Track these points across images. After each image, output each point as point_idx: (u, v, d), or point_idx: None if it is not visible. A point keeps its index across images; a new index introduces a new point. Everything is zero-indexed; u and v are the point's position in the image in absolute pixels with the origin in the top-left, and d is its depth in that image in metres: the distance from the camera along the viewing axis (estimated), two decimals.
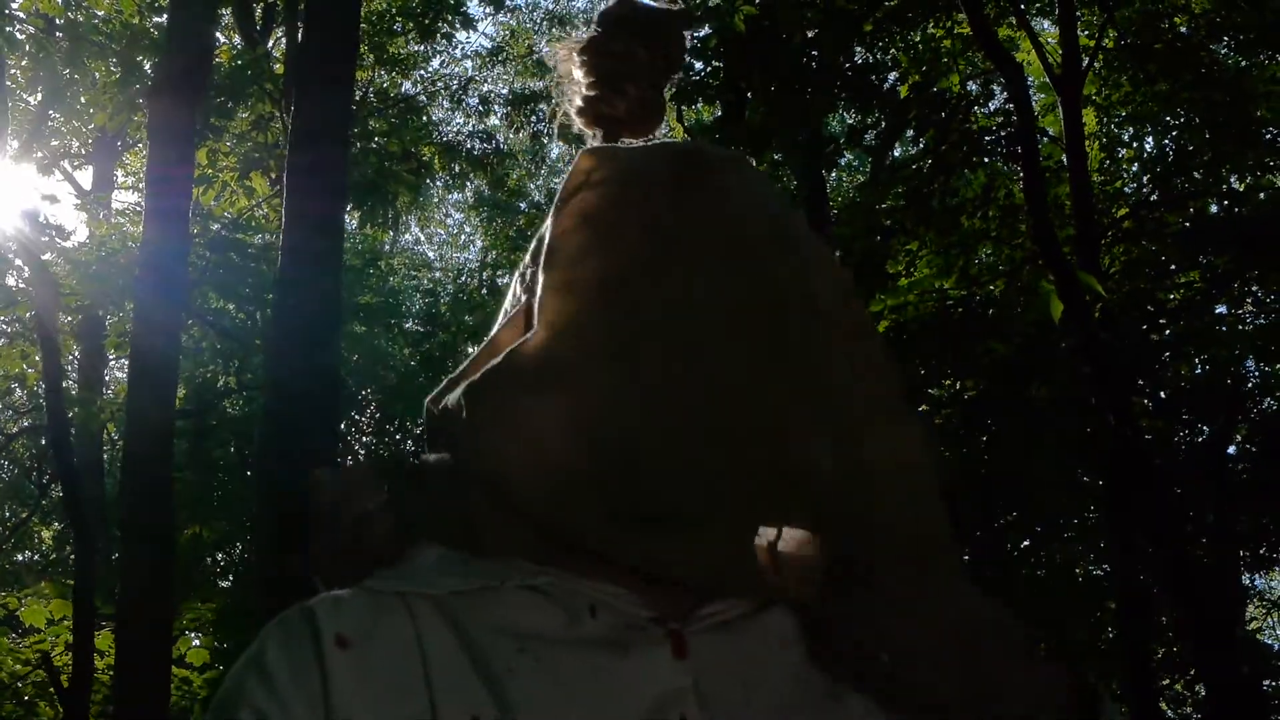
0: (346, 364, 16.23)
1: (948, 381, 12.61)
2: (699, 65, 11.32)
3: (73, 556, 21.31)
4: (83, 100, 14.26)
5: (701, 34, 11.08)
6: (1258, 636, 18.77)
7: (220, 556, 21.96)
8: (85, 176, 21.74)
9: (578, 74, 1.50)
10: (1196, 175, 12.65)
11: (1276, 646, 17.93)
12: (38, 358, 14.25)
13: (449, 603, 1.08)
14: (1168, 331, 12.22)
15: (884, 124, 12.86)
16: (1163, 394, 12.66)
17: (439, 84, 23.13)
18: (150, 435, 9.49)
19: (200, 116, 11.51)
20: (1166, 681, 13.93)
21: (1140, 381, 12.18)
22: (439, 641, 1.06)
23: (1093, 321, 8.63)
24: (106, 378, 21.24)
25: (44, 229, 11.88)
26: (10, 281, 14.16)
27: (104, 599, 11.29)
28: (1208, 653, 9.77)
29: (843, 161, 21.30)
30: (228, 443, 20.42)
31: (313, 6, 9.13)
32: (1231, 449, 13.28)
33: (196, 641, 12.67)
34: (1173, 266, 12.38)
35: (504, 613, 1.08)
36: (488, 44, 24.03)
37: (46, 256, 12.02)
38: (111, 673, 10.10)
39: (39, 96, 15.16)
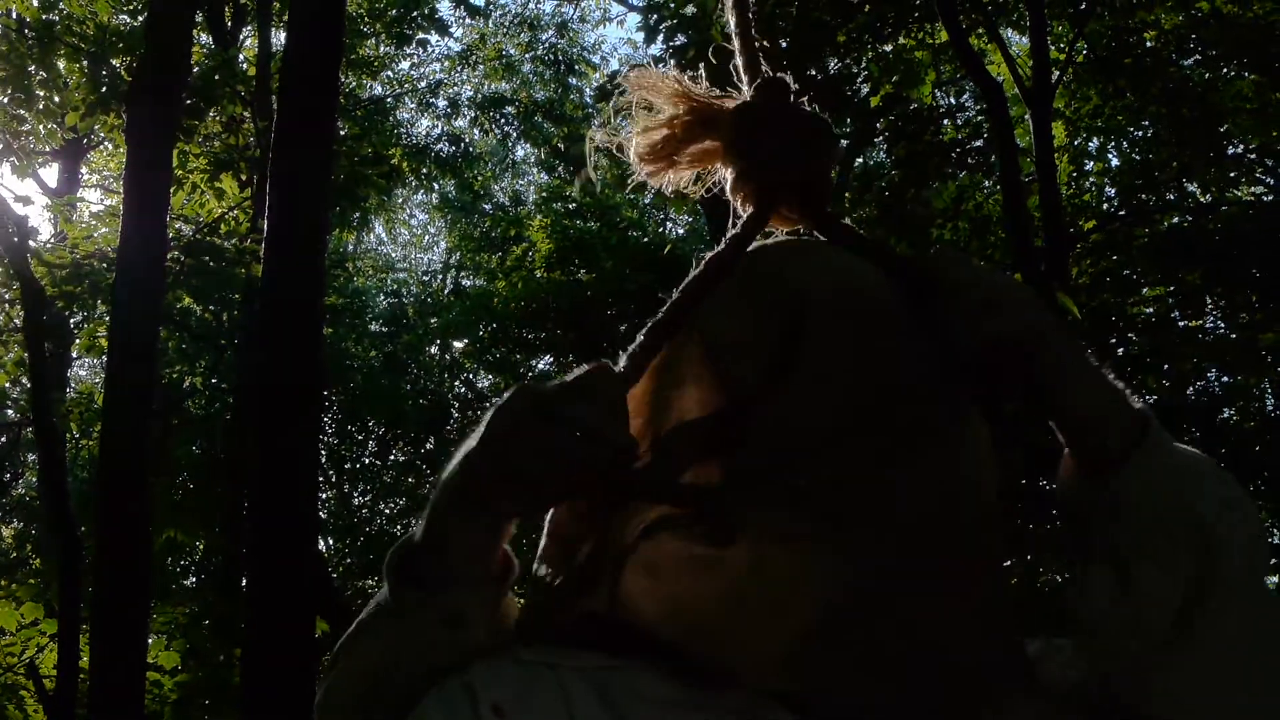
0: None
1: None
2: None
3: (34, 558, 21.22)
4: (55, 100, 14.16)
5: (677, 43, 11.13)
6: None
7: (183, 558, 21.87)
8: (50, 174, 21.65)
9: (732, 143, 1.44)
10: (1164, 189, 12.79)
11: None
12: (8, 357, 14.20)
13: (596, 675, 1.15)
14: (1135, 343, 12.36)
15: (854, 133, 12.95)
16: None
17: (407, 85, 23.12)
18: (126, 438, 9.49)
19: (178, 116, 11.49)
20: None
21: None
22: (587, 711, 1.12)
23: None
24: (68, 375, 21.14)
25: (25, 231, 11.84)
26: None
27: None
28: None
29: None
30: (191, 442, 20.37)
31: (297, 10, 9.14)
32: None
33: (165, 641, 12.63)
34: (1135, 277, 12.50)
35: (647, 684, 1.14)
36: (457, 47, 23.92)
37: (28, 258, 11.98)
38: (84, 675, 10.09)
39: (8, 96, 15.04)
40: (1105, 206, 13.28)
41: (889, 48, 12.73)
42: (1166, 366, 12.72)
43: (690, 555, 1.17)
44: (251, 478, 8.73)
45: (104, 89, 13.85)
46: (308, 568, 8.48)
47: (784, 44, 11.79)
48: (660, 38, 11.27)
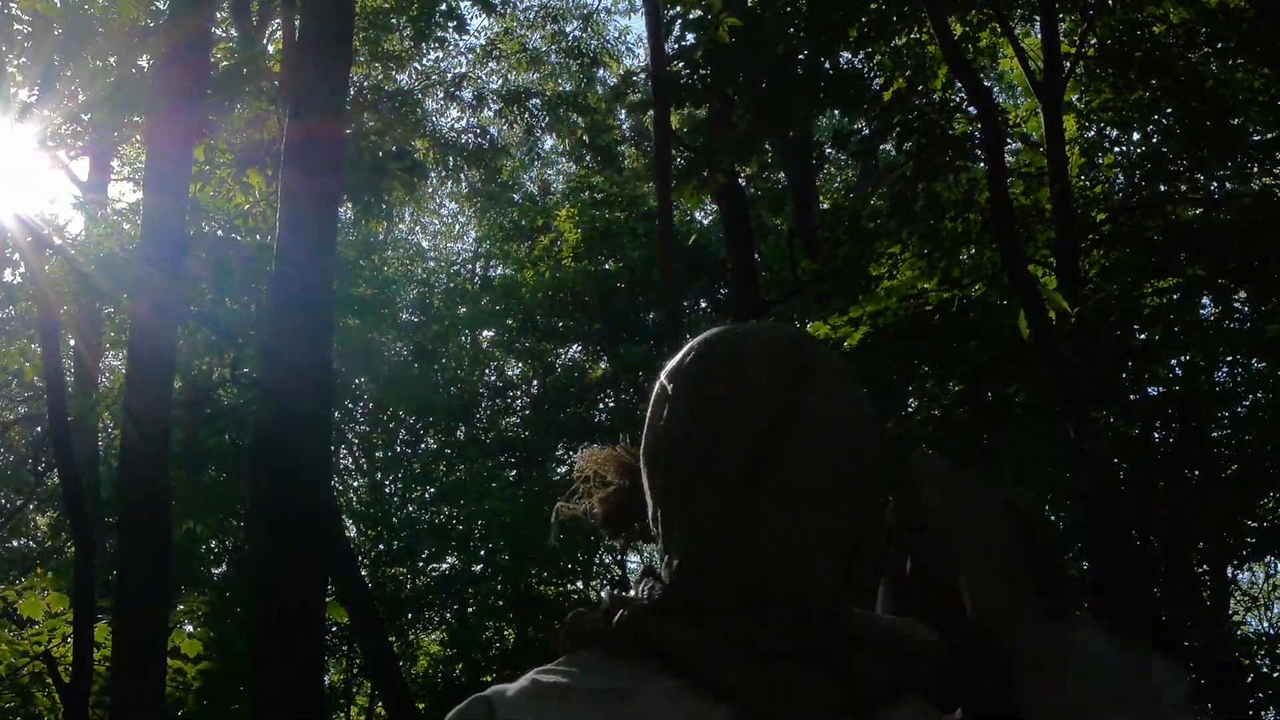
0: (340, 359, 16.39)
1: (928, 384, 12.77)
2: (686, 71, 11.48)
3: (69, 546, 21.52)
4: (81, 97, 14.38)
5: (687, 42, 11.25)
6: (1242, 628, 18.90)
7: (214, 544, 22.12)
8: (81, 167, 21.87)
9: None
10: (1176, 180, 12.80)
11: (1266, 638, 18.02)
12: (35, 346, 14.42)
13: (604, 698, 1.32)
14: (1143, 336, 12.38)
15: (869, 129, 13.03)
16: (1133, 397, 12.81)
17: (433, 77, 23.22)
18: (147, 432, 9.68)
19: (198, 116, 11.66)
20: None
21: (1125, 375, 12.35)
22: None
23: (1055, 337, 8.84)
24: (102, 366, 21.36)
25: (48, 228, 12.05)
26: (9, 277, 14.33)
27: (100, 591, 11.46)
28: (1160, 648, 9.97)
29: (830, 153, 21.42)
30: (222, 432, 20.58)
31: (308, 12, 9.30)
32: (1217, 438, 13.41)
33: (190, 630, 12.84)
34: (1149, 265, 12.50)
35: (643, 707, 1.31)
36: (481, 40, 24.03)
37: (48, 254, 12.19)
38: (108, 664, 10.30)
39: (36, 92, 15.23)
40: (1118, 197, 13.29)
41: (900, 41, 12.80)
42: (1185, 358, 12.73)
43: None
44: (259, 469, 8.90)
45: (130, 87, 14.04)
46: (319, 564, 8.67)
47: (797, 39, 11.90)
48: (671, 36, 11.41)
